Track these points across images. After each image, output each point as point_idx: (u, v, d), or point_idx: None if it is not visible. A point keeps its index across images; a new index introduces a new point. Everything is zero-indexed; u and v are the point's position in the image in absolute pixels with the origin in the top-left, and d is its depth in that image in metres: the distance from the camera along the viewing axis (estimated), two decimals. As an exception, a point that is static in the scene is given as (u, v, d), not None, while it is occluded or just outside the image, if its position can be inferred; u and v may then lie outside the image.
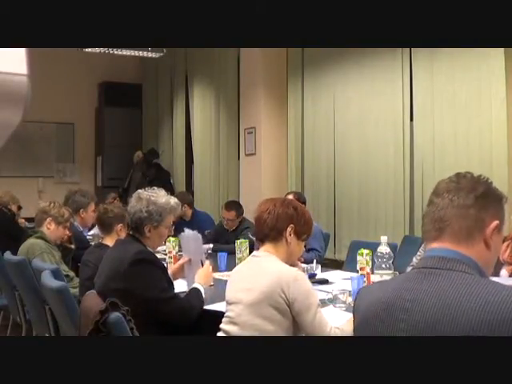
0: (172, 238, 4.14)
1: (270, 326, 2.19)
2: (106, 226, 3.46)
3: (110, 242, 3.39)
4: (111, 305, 2.21)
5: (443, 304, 1.18)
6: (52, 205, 4.06)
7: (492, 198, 1.33)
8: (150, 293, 2.58)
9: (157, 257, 2.76)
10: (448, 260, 1.26)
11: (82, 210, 4.72)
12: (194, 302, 2.71)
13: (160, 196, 2.82)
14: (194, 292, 2.78)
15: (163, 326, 2.59)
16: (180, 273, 3.12)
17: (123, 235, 3.39)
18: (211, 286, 3.05)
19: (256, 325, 2.21)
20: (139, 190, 2.88)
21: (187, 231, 3.10)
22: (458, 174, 1.35)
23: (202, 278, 2.87)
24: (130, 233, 2.83)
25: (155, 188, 2.89)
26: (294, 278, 2.20)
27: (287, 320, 2.20)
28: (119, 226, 3.43)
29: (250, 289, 2.26)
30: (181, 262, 3.16)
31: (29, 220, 6.82)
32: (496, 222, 1.31)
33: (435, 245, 1.31)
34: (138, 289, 2.58)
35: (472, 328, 1.13)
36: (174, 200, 2.87)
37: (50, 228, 3.98)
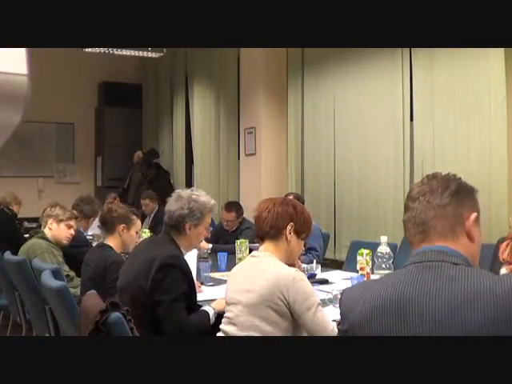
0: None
1: (269, 327, 2.19)
2: (108, 225, 3.44)
3: (112, 242, 3.39)
4: (111, 305, 2.20)
5: (456, 295, 1.19)
6: (52, 208, 4.10)
7: (465, 193, 1.36)
8: (161, 296, 2.55)
9: (187, 265, 2.70)
10: (444, 253, 1.29)
11: (92, 218, 4.80)
12: (195, 323, 2.63)
13: (201, 195, 2.83)
14: (201, 313, 2.71)
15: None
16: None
17: (125, 236, 3.38)
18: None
19: (254, 326, 2.21)
20: (179, 190, 2.88)
21: None
22: (427, 176, 1.39)
23: (218, 304, 2.77)
24: (167, 232, 2.79)
25: (194, 188, 2.91)
26: (292, 279, 2.19)
27: (286, 321, 2.20)
28: (122, 227, 3.41)
29: (248, 290, 2.25)
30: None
31: (29, 220, 6.84)
32: (475, 214, 1.34)
33: (424, 244, 1.34)
34: (156, 290, 2.56)
35: (488, 319, 1.15)
36: (213, 201, 2.87)
37: (51, 228, 4.01)
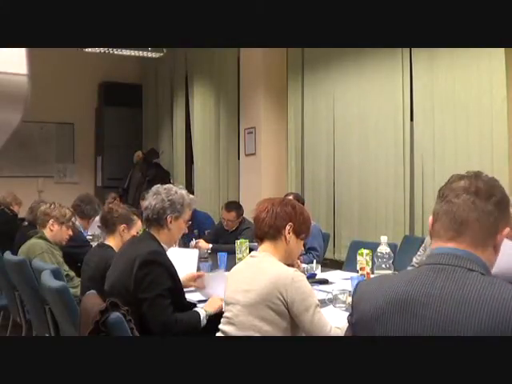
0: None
1: (268, 327, 2.19)
2: (109, 225, 3.44)
3: (112, 242, 3.39)
4: (111, 305, 2.20)
5: (460, 301, 1.19)
6: (53, 206, 4.08)
7: (506, 205, 1.35)
8: (144, 293, 2.56)
9: (169, 259, 2.71)
10: (459, 258, 1.27)
11: (92, 218, 4.78)
12: (181, 322, 2.61)
13: (179, 189, 2.87)
14: (191, 314, 2.71)
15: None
16: (187, 284, 3.14)
17: (126, 236, 3.38)
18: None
19: (253, 325, 2.21)
20: (155, 186, 2.90)
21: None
22: (470, 174, 1.35)
23: (211, 306, 2.79)
24: (147, 229, 2.82)
25: (170, 185, 2.95)
26: (291, 279, 2.19)
27: (284, 321, 2.20)
28: (122, 227, 3.41)
29: (247, 290, 2.25)
30: (196, 275, 3.18)
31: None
32: (507, 229, 1.33)
33: (451, 244, 1.31)
34: (138, 289, 2.57)
35: (484, 325, 1.14)
36: (192, 195, 2.95)
37: (53, 229, 3.99)
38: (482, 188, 1.31)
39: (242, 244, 4.31)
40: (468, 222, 1.30)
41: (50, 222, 3.99)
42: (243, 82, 6.83)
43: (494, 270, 1.33)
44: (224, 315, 2.37)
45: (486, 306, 1.15)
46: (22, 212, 6.64)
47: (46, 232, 3.99)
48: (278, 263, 2.30)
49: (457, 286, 1.21)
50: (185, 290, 2.88)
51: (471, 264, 1.26)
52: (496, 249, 1.32)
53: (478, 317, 1.15)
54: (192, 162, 8.04)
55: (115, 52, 6.82)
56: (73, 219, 4.23)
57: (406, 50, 5.05)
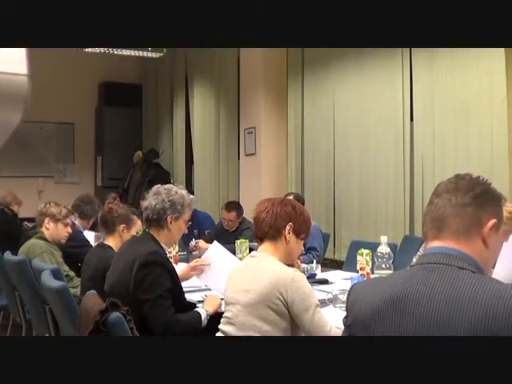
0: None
1: (267, 327, 2.19)
2: (109, 225, 3.43)
3: (112, 242, 3.38)
4: (111, 305, 2.20)
5: (451, 298, 1.19)
6: (48, 205, 4.07)
7: (490, 198, 1.35)
8: (145, 295, 2.56)
9: (168, 259, 2.71)
10: (451, 257, 1.28)
11: (93, 219, 4.77)
12: (182, 322, 2.60)
13: (179, 189, 2.87)
14: (192, 314, 2.70)
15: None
16: (188, 274, 3.15)
17: (126, 236, 3.38)
18: None
19: (253, 325, 2.21)
20: (156, 186, 2.89)
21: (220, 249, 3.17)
22: (457, 176, 1.38)
23: (210, 305, 2.78)
24: (147, 230, 2.82)
25: (170, 185, 2.95)
26: (291, 279, 2.19)
27: (284, 321, 2.20)
28: (122, 227, 3.41)
29: (247, 290, 2.25)
30: (192, 265, 3.18)
31: (29, 220, 6.83)
32: (493, 221, 1.33)
33: (435, 243, 1.34)
34: (139, 290, 2.58)
35: (478, 322, 1.14)
36: (192, 196, 2.93)
37: (48, 228, 3.98)
38: (461, 186, 1.34)
39: (241, 244, 4.31)
40: (444, 219, 1.32)
41: (46, 220, 3.98)
42: (243, 82, 6.83)
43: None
44: (224, 315, 2.38)
45: (478, 303, 1.16)
46: (22, 212, 6.65)
47: (44, 231, 3.99)
48: (277, 263, 2.30)
49: (447, 284, 1.22)
50: (185, 289, 2.88)
51: (462, 262, 1.27)
52: (487, 244, 1.32)
53: (472, 313, 1.15)
54: (192, 162, 8.04)
55: (115, 52, 6.82)
56: (72, 218, 4.22)
57: (406, 50, 5.04)
